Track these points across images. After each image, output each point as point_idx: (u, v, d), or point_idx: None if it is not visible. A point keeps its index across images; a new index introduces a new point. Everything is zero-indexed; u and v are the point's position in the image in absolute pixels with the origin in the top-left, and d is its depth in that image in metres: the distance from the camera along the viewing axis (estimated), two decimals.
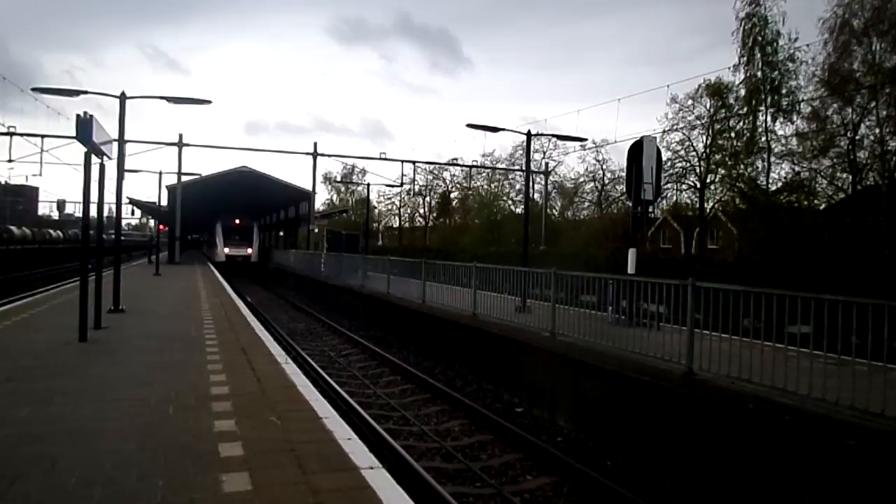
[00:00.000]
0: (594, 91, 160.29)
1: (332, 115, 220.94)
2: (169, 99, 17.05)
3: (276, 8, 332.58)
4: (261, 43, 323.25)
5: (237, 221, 46.09)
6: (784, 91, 29.83)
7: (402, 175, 37.06)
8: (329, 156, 36.74)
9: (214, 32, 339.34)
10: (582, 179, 49.46)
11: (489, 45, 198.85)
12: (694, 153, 35.42)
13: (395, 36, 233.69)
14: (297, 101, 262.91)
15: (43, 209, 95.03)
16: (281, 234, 60.92)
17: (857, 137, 27.76)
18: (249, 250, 44.97)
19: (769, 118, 30.31)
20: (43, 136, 27.63)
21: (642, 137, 12.02)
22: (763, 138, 30.57)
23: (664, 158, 28.24)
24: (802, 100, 29.50)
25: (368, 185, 46.39)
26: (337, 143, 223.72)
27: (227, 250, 43.98)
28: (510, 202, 52.10)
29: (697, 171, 35.32)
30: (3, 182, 66.83)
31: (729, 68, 31.10)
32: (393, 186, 45.49)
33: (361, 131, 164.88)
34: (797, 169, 30.56)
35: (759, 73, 30.08)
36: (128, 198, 37.08)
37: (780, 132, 30.76)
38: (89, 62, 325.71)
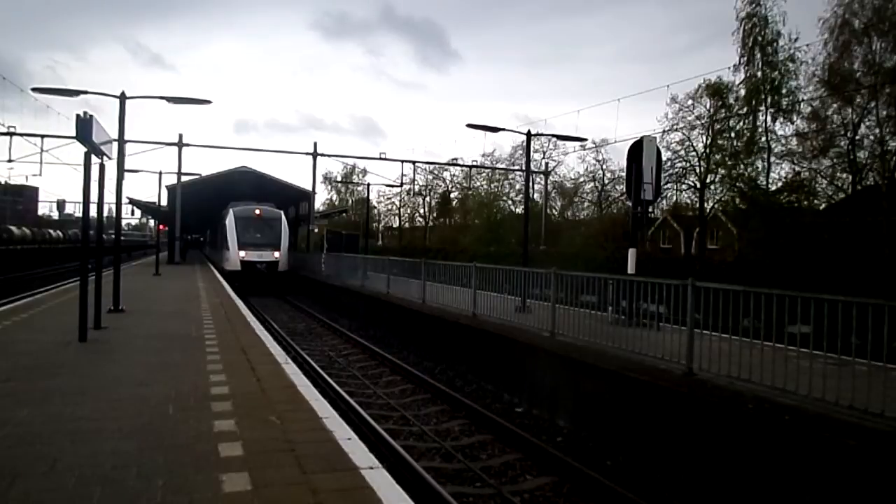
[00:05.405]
0: (587, 89, 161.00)
1: (322, 113, 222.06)
2: (168, 99, 17.05)
3: (259, 3, 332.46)
4: (246, 39, 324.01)
5: (257, 212, 31.65)
6: (784, 91, 29.96)
7: (402, 175, 37.14)
8: (329, 156, 36.69)
9: (199, 29, 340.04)
10: (582, 179, 49.66)
11: (476, 39, 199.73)
12: (694, 153, 35.44)
13: (380, 29, 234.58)
14: (286, 98, 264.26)
15: (43, 209, 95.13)
16: None
17: (857, 137, 27.85)
18: (277, 254, 30.81)
19: (769, 118, 30.43)
20: (43, 136, 27.68)
21: (642, 137, 12.05)
22: (763, 138, 30.67)
23: (664, 158, 28.31)
24: (802, 100, 29.65)
25: (368, 185, 46.51)
26: (329, 141, 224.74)
27: (242, 254, 29.88)
28: (510, 202, 52.23)
29: (697, 171, 35.33)
30: (3, 182, 66.89)
31: (729, 68, 31.28)
32: (393, 186, 45.60)
33: (353, 129, 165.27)
34: (797, 169, 30.73)
35: (759, 73, 30.18)
36: (128, 198, 37.22)
37: (780, 132, 30.94)
38: (73, 59, 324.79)
